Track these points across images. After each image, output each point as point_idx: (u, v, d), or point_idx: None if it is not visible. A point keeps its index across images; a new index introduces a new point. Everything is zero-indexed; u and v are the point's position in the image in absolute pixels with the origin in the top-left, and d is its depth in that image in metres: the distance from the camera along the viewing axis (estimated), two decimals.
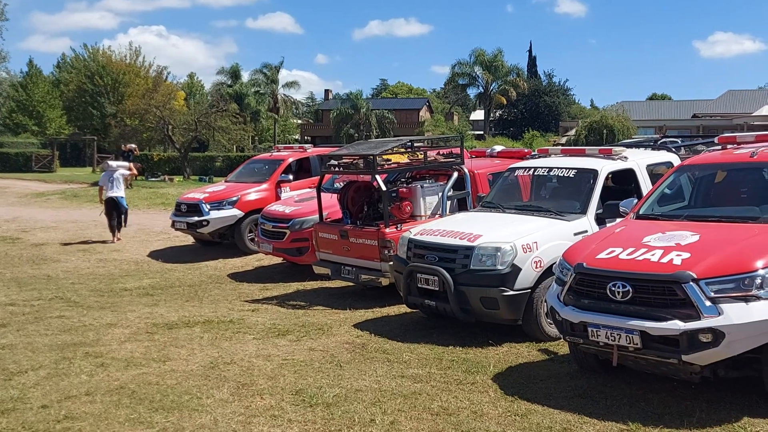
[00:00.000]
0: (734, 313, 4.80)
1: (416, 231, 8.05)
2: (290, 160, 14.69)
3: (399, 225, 9.05)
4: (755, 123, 44.60)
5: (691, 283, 4.91)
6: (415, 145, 10.37)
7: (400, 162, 9.56)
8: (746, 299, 4.85)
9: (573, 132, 47.63)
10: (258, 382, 6.17)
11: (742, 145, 6.79)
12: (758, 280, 4.88)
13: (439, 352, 6.96)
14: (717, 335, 4.79)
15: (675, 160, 8.57)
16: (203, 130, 35.02)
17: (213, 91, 60.55)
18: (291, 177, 14.28)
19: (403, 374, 6.32)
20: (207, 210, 13.66)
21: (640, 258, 5.31)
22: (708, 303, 4.86)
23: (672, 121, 51.16)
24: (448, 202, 9.60)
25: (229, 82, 61.08)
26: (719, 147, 7.15)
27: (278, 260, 12.39)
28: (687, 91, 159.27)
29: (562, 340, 6.34)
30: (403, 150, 9.83)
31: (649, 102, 67.26)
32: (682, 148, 9.52)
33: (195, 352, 7.19)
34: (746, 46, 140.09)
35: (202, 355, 7.04)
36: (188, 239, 15.21)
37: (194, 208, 13.87)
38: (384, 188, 8.97)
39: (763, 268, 4.91)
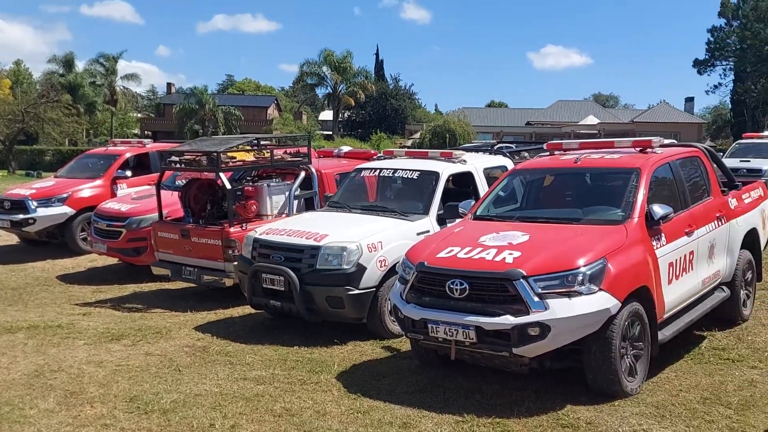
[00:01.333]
0: (559, 308, 5.15)
1: (262, 230, 7.93)
2: (127, 155, 13.97)
3: (244, 224, 8.88)
4: (581, 131, 48.38)
5: (521, 280, 5.21)
6: (262, 143, 10.22)
7: (246, 160, 9.39)
8: (569, 295, 5.22)
9: (418, 135, 49.20)
10: (88, 390, 5.81)
11: (567, 152, 7.31)
12: (580, 277, 5.27)
13: (284, 353, 6.91)
14: (544, 329, 5.12)
15: (509, 164, 9.08)
16: (31, 121, 32.52)
17: (43, 81, 56.10)
18: (128, 173, 13.59)
19: (245, 377, 6.20)
20: (33, 207, 12.68)
21: (476, 257, 5.56)
22: (536, 299, 5.19)
23: (508, 128, 54.21)
24: (295, 202, 9.56)
25: (61, 72, 56.93)
26: (548, 153, 7.66)
27: (113, 261, 11.72)
28: (522, 99, 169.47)
29: (404, 337, 6.50)
30: (249, 148, 9.66)
31: (488, 109, 70.91)
32: (516, 153, 10.13)
33: (18, 359, 6.64)
34: (574, 60, 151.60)
35: (26, 363, 6.52)
36: (12, 238, 14.02)
37: (19, 204, 12.83)
38: (229, 186, 8.76)
39: (584, 266, 5.30)
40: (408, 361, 6.56)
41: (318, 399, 5.62)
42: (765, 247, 8.23)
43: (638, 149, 6.86)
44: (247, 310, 8.39)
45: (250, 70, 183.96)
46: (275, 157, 9.64)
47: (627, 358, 5.53)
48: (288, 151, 10.12)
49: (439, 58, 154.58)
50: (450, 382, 5.92)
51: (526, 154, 10.24)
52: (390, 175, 8.63)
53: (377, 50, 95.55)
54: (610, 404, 5.34)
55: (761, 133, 22.17)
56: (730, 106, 55.40)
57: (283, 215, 9.28)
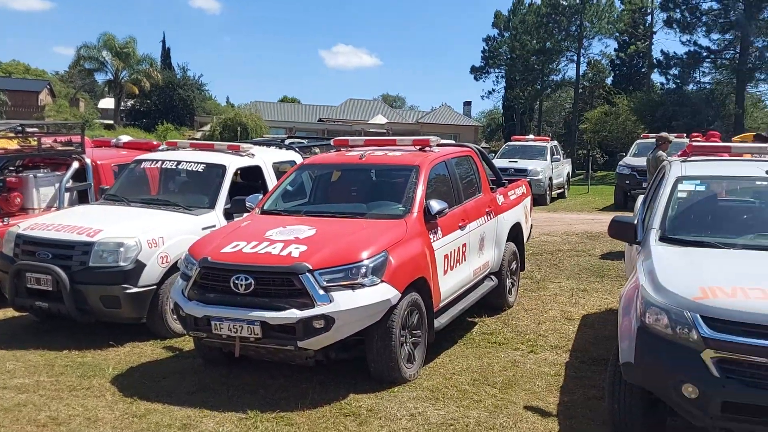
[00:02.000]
0: (343, 300, 5.27)
1: (26, 225, 7.21)
2: None
3: (6, 219, 8.02)
4: (371, 130, 49.94)
5: (306, 273, 5.25)
6: (27, 130, 9.30)
7: (9, 148, 8.50)
8: (353, 287, 5.36)
9: (208, 127, 47.73)
10: None
11: (353, 148, 7.50)
12: (363, 270, 5.42)
13: (51, 358, 6.34)
14: (328, 321, 5.20)
15: (298, 159, 9.11)
16: None
17: None
18: None
19: (5, 385, 5.61)
20: None
21: (262, 251, 5.51)
22: (321, 292, 5.25)
23: (301, 124, 54.48)
24: (67, 195, 8.82)
25: None
26: (335, 149, 7.80)
27: None
28: (314, 96, 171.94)
29: (188, 336, 6.26)
30: (12, 135, 8.74)
31: (281, 104, 70.75)
32: (307, 148, 10.20)
33: None
34: (364, 60, 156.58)
35: None
36: None
37: None
38: None
39: (367, 259, 5.47)
40: (191, 361, 6.34)
41: (89, 405, 5.23)
42: (527, 240, 9.08)
43: (418, 147, 7.22)
44: (10, 312, 7.59)
45: (19, 51, 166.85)
46: (43, 146, 8.83)
47: (406, 345, 5.80)
48: (58, 139, 9.32)
49: (230, 50, 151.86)
50: (234, 379, 5.81)
51: (317, 149, 10.35)
52: (173, 167, 8.26)
53: (164, 38, 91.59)
54: (390, 390, 5.57)
55: (527, 137, 24.49)
56: (502, 110, 60.40)
57: (53, 209, 8.52)
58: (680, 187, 5.46)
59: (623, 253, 11.19)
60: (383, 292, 5.45)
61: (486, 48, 53.18)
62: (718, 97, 38.21)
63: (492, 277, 7.79)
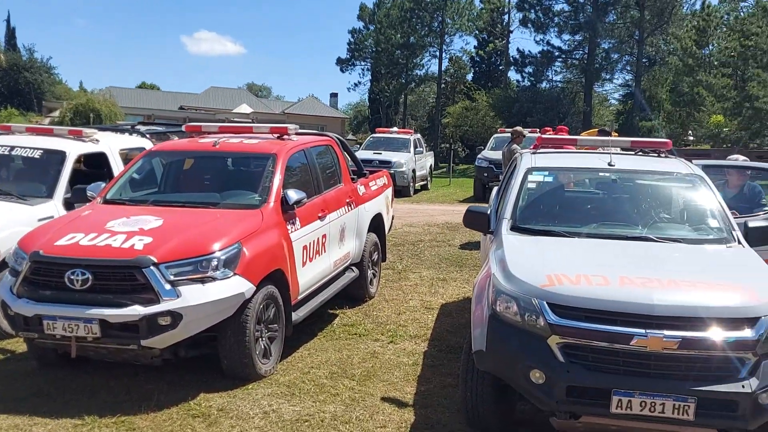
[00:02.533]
0: (191, 295, 4.97)
1: None
2: None
3: None
4: (235, 119, 48.74)
5: (151, 267, 4.91)
6: None
7: None
8: (203, 281, 5.07)
9: (57, 113, 44.66)
10: None
11: (207, 135, 7.14)
12: (214, 262, 5.15)
13: None
14: (175, 317, 4.89)
15: (148, 145, 8.59)
16: None
17: None
18: None
19: None
20: None
21: (102, 244, 5.09)
22: (168, 286, 4.93)
23: (160, 111, 52.24)
24: None
25: None
26: (188, 135, 7.41)
27: None
28: (175, 83, 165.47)
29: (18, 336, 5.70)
30: None
31: (139, 90, 67.41)
32: (163, 134, 9.64)
33: None
34: (228, 48, 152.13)
35: None
36: None
37: None
38: None
39: (219, 251, 5.20)
40: (24, 363, 5.79)
41: None
42: (389, 230, 9.09)
43: (276, 136, 6.99)
44: None
45: None
46: None
47: (262, 340, 5.58)
48: None
49: (84, 33, 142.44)
50: (73, 382, 5.36)
51: (175, 137, 9.82)
52: (6, 153, 7.52)
53: (8, 17, 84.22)
54: (244, 388, 5.34)
55: (391, 129, 24.77)
56: (368, 103, 60.89)
57: None
58: (530, 178, 5.60)
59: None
60: (236, 286, 5.20)
61: (352, 40, 53.29)
62: (569, 94, 40.60)
63: (353, 268, 7.72)
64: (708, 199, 5.28)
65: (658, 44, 38.97)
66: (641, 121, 34.33)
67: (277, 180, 6.19)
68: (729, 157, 7.13)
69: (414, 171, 20.53)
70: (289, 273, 5.97)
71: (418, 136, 23.64)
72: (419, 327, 7.16)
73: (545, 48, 40.84)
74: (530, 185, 5.55)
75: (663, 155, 6.06)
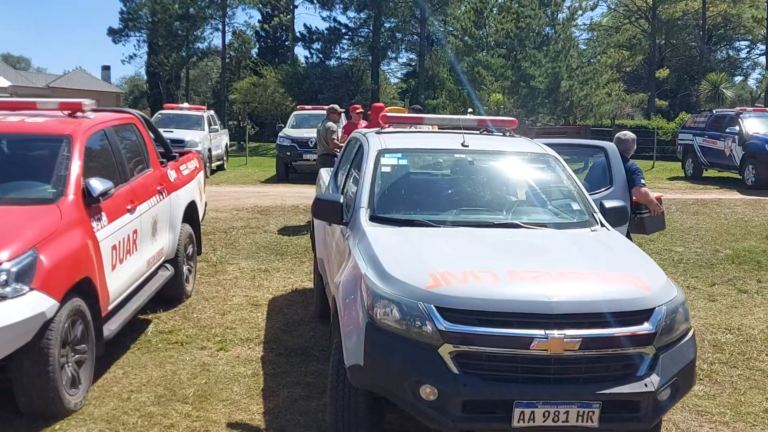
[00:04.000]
0: None
1: None
2: None
3: None
4: None
5: None
6: None
7: None
8: None
9: None
10: None
11: None
12: (3, 277, 4.02)
13: None
14: None
15: None
16: None
17: None
18: None
19: None
20: None
21: None
22: None
23: None
24: None
25: None
26: None
27: None
28: None
29: None
30: None
31: None
32: None
33: None
34: None
35: None
36: None
37: None
38: None
39: (7, 261, 4.07)
40: None
41: None
42: (202, 219, 8.12)
43: (66, 113, 5.75)
44: None
45: None
46: None
47: (68, 366, 4.51)
48: None
49: None
50: None
51: None
52: None
53: None
54: (51, 428, 4.27)
55: (181, 105, 23.04)
56: (146, 77, 56.80)
57: None
58: (383, 161, 5.06)
59: (300, 228, 10.96)
60: (34, 304, 4.11)
61: (124, 9, 49.15)
62: (357, 72, 40.91)
63: (167, 265, 6.71)
64: (565, 179, 5.12)
65: (439, 24, 40.56)
66: (426, 99, 35.53)
67: (76, 167, 5.06)
68: (618, 134, 7.15)
69: (210, 150, 19.20)
70: (97, 280, 4.91)
71: (212, 112, 22.21)
72: (249, 328, 6.40)
73: (332, 25, 40.64)
74: (384, 169, 5.02)
75: (508, 134, 5.85)
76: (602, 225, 4.72)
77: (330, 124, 10.92)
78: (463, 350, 3.48)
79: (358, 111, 11.34)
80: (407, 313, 3.56)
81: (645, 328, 3.59)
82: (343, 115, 12.92)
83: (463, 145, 5.20)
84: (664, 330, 3.63)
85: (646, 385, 3.52)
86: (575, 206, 4.92)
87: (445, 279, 3.64)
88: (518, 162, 5.35)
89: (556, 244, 4.34)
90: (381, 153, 5.11)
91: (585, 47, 37.25)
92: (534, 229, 4.53)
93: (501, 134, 5.84)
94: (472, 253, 4.08)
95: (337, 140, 10.73)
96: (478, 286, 3.60)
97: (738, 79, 50.73)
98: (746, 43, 49.17)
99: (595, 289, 3.70)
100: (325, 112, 12.57)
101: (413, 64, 41.93)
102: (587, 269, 3.93)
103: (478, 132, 5.81)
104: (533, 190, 5.19)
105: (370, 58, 40.91)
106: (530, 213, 4.84)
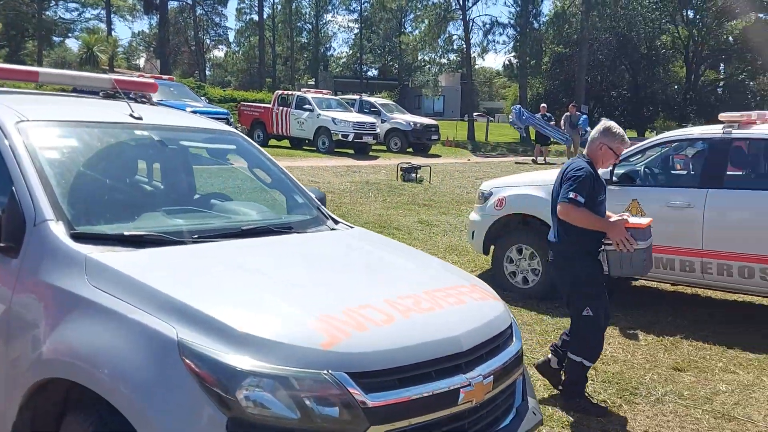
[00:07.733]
0: None
1: None
2: None
3: None
4: None
5: None
6: None
7: None
8: None
9: None
10: None
11: None
12: None
13: None
14: None
15: None
16: None
17: None
18: None
19: None
20: None
21: None
22: None
23: None
24: None
25: None
26: None
27: None
28: None
29: None
30: None
31: None
32: None
33: None
34: None
35: None
36: None
37: None
38: None
39: None
40: None
41: None
42: None
43: None
44: None
45: None
46: None
47: None
48: None
49: None
50: None
51: None
52: None
53: None
54: None
55: None
56: None
57: None
58: (37, 142, 2.98)
59: None
60: None
61: None
62: None
63: None
64: (267, 162, 3.93)
65: None
66: None
67: None
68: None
69: None
70: None
71: None
72: None
73: None
74: (49, 154, 2.98)
75: (148, 103, 4.12)
76: (335, 221, 3.79)
77: None
78: (397, 427, 2.30)
79: None
80: (304, 393, 2.16)
81: (516, 345, 3.02)
82: None
83: (134, 116, 3.49)
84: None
85: (534, 413, 2.97)
86: (299, 199, 3.86)
87: (337, 329, 2.34)
88: (210, 143, 3.92)
89: (364, 254, 3.31)
90: (26, 127, 3.02)
91: None
92: (300, 234, 3.36)
93: (136, 102, 4.09)
94: (306, 281, 2.75)
95: None
96: (382, 332, 2.41)
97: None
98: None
99: (478, 310, 2.89)
100: None
101: None
102: (445, 284, 3.06)
103: (124, 98, 3.93)
104: (235, 180, 3.90)
105: None
106: (263, 212, 3.61)
